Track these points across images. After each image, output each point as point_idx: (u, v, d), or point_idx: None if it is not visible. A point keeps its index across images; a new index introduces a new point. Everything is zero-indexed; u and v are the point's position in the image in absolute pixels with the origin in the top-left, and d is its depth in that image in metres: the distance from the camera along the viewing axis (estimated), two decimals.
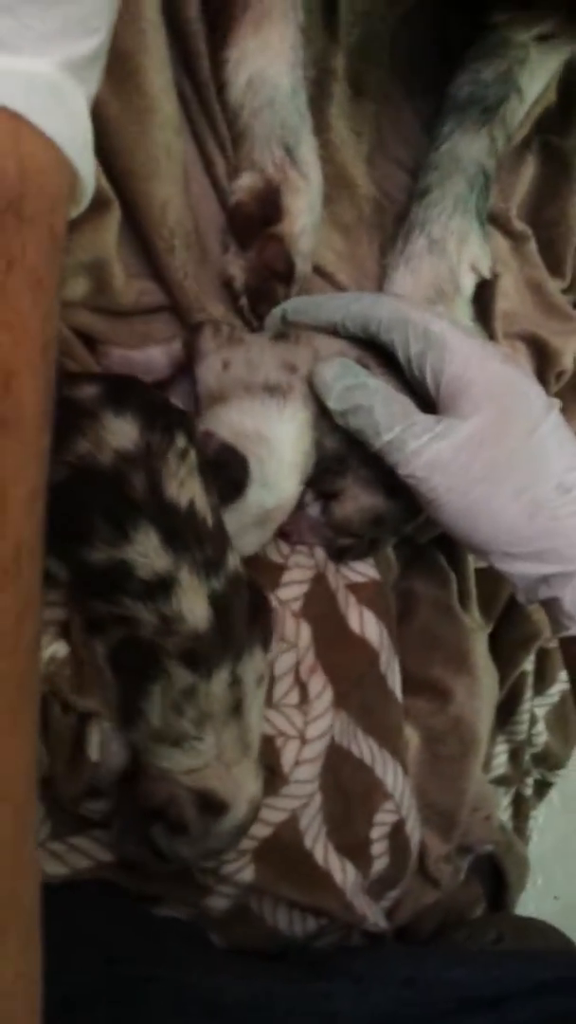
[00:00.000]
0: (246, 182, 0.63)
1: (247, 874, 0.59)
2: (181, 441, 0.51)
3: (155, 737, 0.52)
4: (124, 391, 0.52)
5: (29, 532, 0.33)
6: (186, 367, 0.61)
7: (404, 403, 0.58)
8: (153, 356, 0.60)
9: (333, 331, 0.60)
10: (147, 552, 0.48)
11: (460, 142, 0.67)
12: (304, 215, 0.63)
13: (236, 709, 0.53)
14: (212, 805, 0.52)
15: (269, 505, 0.56)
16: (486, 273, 0.69)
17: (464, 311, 0.69)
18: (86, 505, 0.48)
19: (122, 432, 0.49)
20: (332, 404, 0.57)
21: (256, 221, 0.63)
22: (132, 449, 0.49)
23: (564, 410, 0.81)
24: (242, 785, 0.53)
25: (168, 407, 0.55)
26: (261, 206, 0.63)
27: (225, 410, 0.58)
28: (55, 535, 0.36)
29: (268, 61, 0.61)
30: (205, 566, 0.50)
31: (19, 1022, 0.33)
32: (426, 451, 0.55)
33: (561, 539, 0.55)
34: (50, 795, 0.56)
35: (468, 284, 0.69)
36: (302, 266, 0.64)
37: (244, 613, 0.53)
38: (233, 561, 0.53)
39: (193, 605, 0.50)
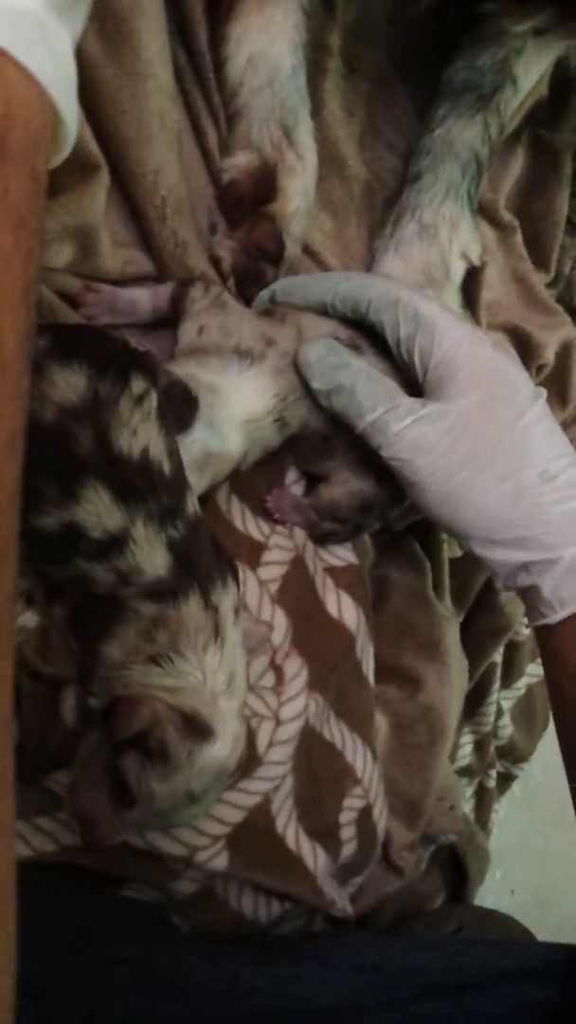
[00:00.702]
0: (241, 160, 0.62)
1: (220, 861, 0.58)
2: (138, 385, 0.49)
3: (125, 663, 0.48)
4: (74, 340, 0.49)
5: (9, 476, 0.33)
6: (168, 318, 0.60)
7: (388, 385, 0.58)
8: (139, 297, 0.59)
9: (323, 311, 0.60)
10: (98, 511, 0.46)
11: (454, 127, 0.67)
12: (298, 197, 0.63)
13: (216, 635, 0.50)
14: (196, 728, 0.48)
15: (212, 449, 0.55)
16: (476, 260, 0.69)
17: (453, 298, 0.69)
18: (31, 468, 0.46)
19: (67, 384, 0.47)
20: (315, 384, 0.57)
21: (249, 200, 0.62)
22: (77, 401, 0.46)
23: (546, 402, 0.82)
24: (229, 719, 0.49)
25: (125, 351, 0.52)
26: (255, 185, 0.62)
27: (187, 362, 0.57)
28: None
29: (270, 40, 0.61)
30: (161, 516, 0.48)
31: None
32: (409, 433, 0.55)
33: (543, 527, 0.55)
34: (17, 770, 0.55)
35: (458, 271, 0.69)
36: (292, 248, 0.64)
37: (208, 548, 0.51)
38: (192, 504, 0.51)
39: (150, 556, 0.48)
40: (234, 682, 0.50)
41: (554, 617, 0.57)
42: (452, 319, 0.57)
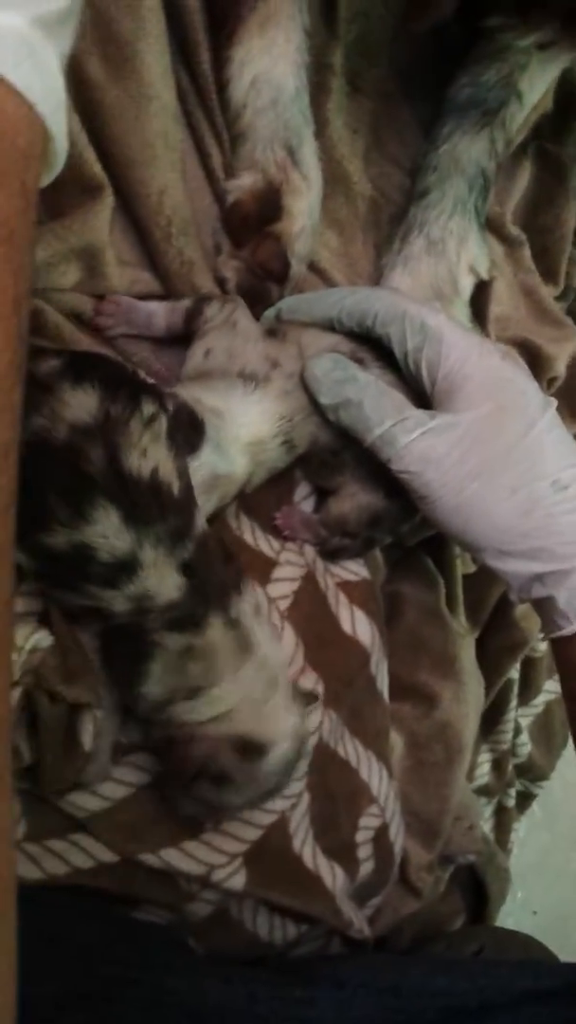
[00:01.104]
0: (246, 181, 0.62)
1: (238, 880, 0.58)
2: (148, 408, 0.49)
3: (164, 703, 0.50)
4: (87, 363, 0.50)
5: (2, 485, 0.33)
6: (180, 335, 0.60)
7: (396, 398, 0.57)
8: (155, 311, 0.60)
9: (329, 326, 0.60)
10: (106, 532, 0.46)
11: (460, 143, 0.67)
12: (303, 216, 0.63)
13: (244, 649, 0.51)
14: (250, 749, 0.51)
15: (220, 471, 0.55)
16: (484, 275, 0.69)
17: (462, 312, 0.69)
18: (42, 485, 0.46)
19: (79, 404, 0.47)
20: (322, 399, 0.57)
21: (254, 221, 0.62)
22: (89, 421, 0.47)
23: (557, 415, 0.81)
24: (278, 721, 0.52)
25: (135, 379, 0.53)
26: (260, 206, 0.62)
27: (192, 386, 0.57)
28: (17, 521, 0.34)
29: (273, 62, 0.61)
30: (171, 538, 0.48)
31: None
32: (418, 446, 0.55)
33: (556, 537, 0.55)
34: (28, 791, 0.55)
35: (467, 285, 0.69)
36: (297, 267, 0.64)
37: (219, 559, 0.52)
38: (200, 523, 0.51)
39: (161, 580, 0.48)
40: (275, 680, 0.53)
41: (570, 629, 0.56)
42: (459, 330, 0.57)
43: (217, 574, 0.51)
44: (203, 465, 0.53)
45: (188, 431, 0.53)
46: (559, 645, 0.58)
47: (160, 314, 0.59)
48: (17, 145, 0.32)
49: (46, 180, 0.38)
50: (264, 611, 0.56)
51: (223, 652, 0.50)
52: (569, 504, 0.55)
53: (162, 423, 0.49)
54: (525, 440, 0.55)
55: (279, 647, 0.56)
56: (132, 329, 0.60)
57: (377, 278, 0.70)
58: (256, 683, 0.51)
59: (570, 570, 0.55)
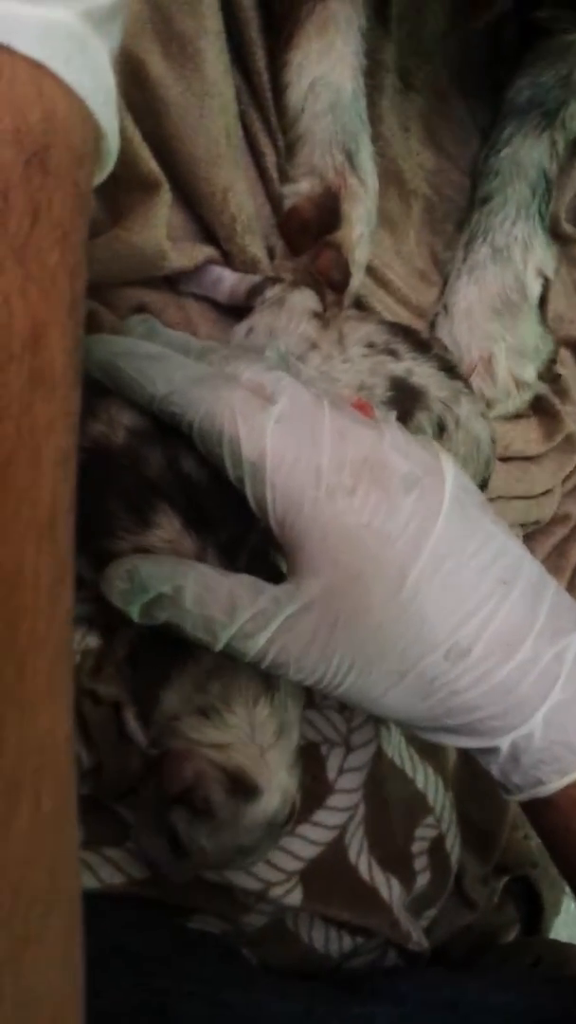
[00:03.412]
0: (304, 186, 0.62)
1: (295, 896, 0.57)
2: None
3: (176, 715, 0.48)
4: None
5: (62, 493, 0.31)
6: (239, 307, 0.60)
7: (230, 590, 0.43)
8: (225, 277, 0.59)
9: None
10: (170, 537, 0.46)
11: (521, 147, 0.67)
12: (362, 223, 0.62)
13: (268, 687, 0.48)
14: (242, 786, 0.47)
15: None
16: (552, 275, 0.68)
17: (532, 317, 0.68)
18: (104, 492, 0.46)
19: (135, 407, 0.47)
20: (138, 619, 0.44)
21: (313, 227, 0.62)
22: (144, 424, 0.46)
23: None
24: (276, 772, 0.48)
25: None
26: (319, 212, 0.61)
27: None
28: (78, 530, 0.34)
29: (331, 65, 0.61)
30: (231, 544, 0.47)
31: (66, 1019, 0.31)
32: (273, 646, 0.43)
33: (467, 715, 0.44)
34: (84, 796, 0.54)
35: (535, 290, 0.68)
36: (357, 276, 0.63)
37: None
38: (255, 534, 0.48)
39: None
40: (284, 732, 0.49)
41: (514, 798, 0.48)
42: (289, 462, 0.43)
43: None
44: None
45: None
46: (525, 808, 0.49)
47: (227, 279, 0.59)
48: (71, 143, 0.31)
49: (98, 179, 0.38)
50: None
51: (246, 681, 0.48)
52: (474, 672, 0.43)
53: None
54: (397, 607, 0.42)
55: (297, 705, 0.51)
56: (199, 289, 0.60)
57: (432, 276, 0.69)
58: (266, 727, 0.48)
59: (493, 748, 0.45)
